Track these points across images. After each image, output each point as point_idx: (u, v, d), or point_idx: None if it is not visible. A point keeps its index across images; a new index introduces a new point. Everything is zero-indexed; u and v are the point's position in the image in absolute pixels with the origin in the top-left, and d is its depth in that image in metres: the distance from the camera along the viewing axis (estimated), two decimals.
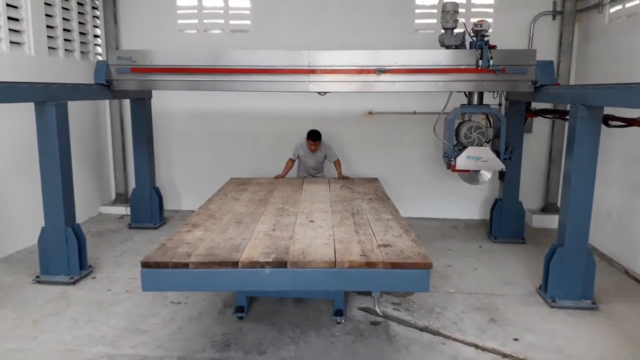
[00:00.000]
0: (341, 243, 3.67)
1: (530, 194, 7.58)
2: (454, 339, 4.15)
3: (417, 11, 7.64)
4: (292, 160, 7.13)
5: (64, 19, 7.00)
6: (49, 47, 6.70)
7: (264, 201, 5.14)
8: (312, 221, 4.34)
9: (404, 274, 3.27)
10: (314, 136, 6.82)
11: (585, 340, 4.17)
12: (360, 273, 3.27)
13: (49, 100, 4.95)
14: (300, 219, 4.41)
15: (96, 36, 7.96)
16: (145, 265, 3.16)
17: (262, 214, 4.57)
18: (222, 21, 7.93)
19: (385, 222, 4.34)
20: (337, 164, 7.16)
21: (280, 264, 3.24)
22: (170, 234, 3.85)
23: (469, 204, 7.96)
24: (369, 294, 4.81)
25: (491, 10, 7.52)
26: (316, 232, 3.97)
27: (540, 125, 7.57)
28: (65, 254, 5.22)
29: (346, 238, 3.81)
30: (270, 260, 3.26)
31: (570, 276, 4.72)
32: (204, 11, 7.91)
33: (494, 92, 5.87)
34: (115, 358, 3.85)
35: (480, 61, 5.37)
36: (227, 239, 3.74)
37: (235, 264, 3.21)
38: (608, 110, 4.58)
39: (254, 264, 3.23)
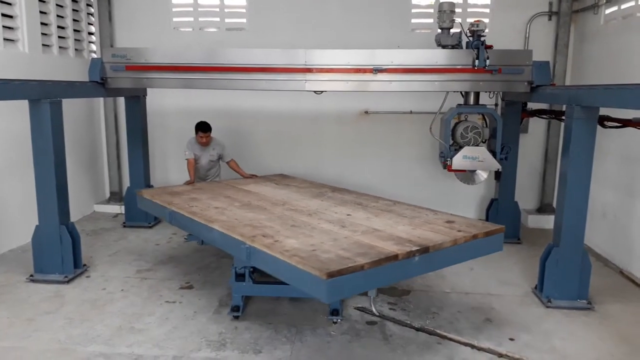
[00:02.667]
0: (418, 226, 4.03)
1: (526, 194, 7.59)
2: (450, 339, 4.15)
3: (413, 11, 7.63)
4: (191, 160, 6.53)
5: (58, 15, 6.94)
6: (43, 44, 6.65)
7: (251, 206, 4.82)
8: (349, 214, 4.42)
9: (492, 239, 4.00)
10: (203, 127, 6.40)
11: (581, 340, 4.19)
12: (471, 245, 3.85)
13: (43, 98, 4.92)
14: (331, 216, 4.39)
15: (90, 33, 7.90)
16: (330, 275, 3.06)
17: (287, 217, 4.36)
18: (217, 19, 7.90)
19: (397, 206, 4.62)
20: (234, 163, 6.73)
21: (424, 250, 3.52)
22: (263, 245, 3.60)
23: (465, 203, 7.95)
24: (364, 293, 4.80)
25: (487, 10, 7.53)
26: (377, 223, 4.14)
27: (536, 126, 7.59)
28: (59, 253, 5.18)
29: (412, 222, 4.15)
30: (417, 248, 3.48)
31: (566, 276, 4.73)
32: (199, 9, 7.87)
33: (490, 92, 5.88)
34: (110, 357, 3.83)
35: (476, 61, 5.37)
36: (332, 239, 3.69)
37: (395, 257, 3.37)
38: (604, 111, 4.59)
39: (409, 254, 3.42)
